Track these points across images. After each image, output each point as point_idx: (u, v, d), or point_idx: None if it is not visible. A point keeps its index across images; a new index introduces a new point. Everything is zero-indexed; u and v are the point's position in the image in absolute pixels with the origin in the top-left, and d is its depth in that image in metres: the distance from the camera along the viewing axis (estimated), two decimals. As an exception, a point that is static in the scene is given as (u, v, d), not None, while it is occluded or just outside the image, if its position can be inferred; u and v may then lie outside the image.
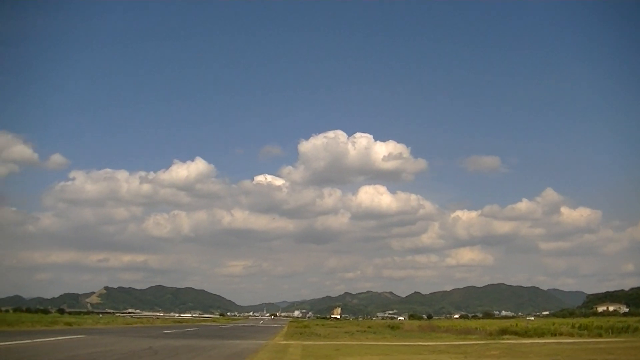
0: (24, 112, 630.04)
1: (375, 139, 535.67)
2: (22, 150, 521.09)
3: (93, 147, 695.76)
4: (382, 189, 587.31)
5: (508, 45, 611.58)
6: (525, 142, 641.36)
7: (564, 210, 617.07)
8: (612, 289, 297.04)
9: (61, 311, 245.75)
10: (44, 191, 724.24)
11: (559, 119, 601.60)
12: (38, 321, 73.24)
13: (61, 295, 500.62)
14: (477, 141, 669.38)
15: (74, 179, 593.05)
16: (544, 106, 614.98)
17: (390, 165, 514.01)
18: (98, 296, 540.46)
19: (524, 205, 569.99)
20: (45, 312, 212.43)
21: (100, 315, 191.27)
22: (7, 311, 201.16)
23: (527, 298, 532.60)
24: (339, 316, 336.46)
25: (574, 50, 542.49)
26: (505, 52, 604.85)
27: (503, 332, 52.72)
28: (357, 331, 68.98)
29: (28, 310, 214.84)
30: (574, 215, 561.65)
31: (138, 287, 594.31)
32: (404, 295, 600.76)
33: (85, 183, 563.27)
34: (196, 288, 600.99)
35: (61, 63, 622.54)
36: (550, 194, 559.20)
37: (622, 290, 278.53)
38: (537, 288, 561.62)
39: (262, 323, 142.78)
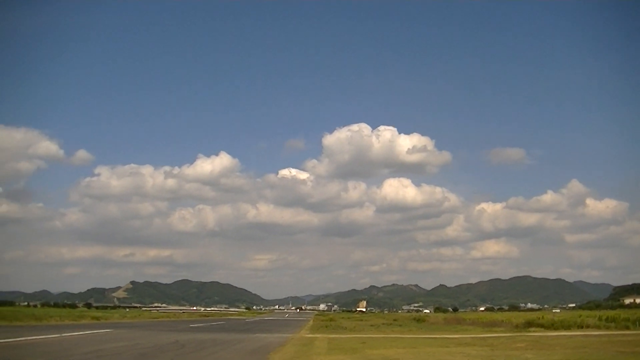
0: (50, 109, 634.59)
1: (400, 132, 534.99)
2: (48, 146, 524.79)
3: (118, 143, 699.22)
4: (406, 181, 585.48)
5: (532, 36, 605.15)
6: (550, 134, 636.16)
7: (590, 201, 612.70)
8: (638, 281, 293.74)
9: (88, 305, 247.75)
10: (70, 187, 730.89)
11: (584, 110, 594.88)
12: (66, 315, 73.94)
13: (88, 290, 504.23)
14: (501, 133, 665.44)
15: (99, 174, 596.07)
16: (568, 97, 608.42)
17: (414, 157, 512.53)
18: (124, 290, 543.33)
19: (549, 197, 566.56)
20: (73, 306, 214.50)
21: (127, 310, 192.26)
22: (35, 306, 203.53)
23: (552, 290, 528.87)
24: (364, 309, 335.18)
25: (600, 40, 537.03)
26: (530, 42, 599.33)
27: (529, 324, 52.51)
28: (383, 324, 69.01)
29: (56, 305, 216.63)
30: (600, 207, 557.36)
31: (164, 282, 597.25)
32: (429, 288, 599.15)
33: (111, 178, 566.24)
34: (222, 282, 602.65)
35: (86, 59, 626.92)
36: (575, 186, 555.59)
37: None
38: (563, 280, 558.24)
39: (287, 316, 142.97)
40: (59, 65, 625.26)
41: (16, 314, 67.30)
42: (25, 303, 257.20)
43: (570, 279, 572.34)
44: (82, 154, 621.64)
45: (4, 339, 30.91)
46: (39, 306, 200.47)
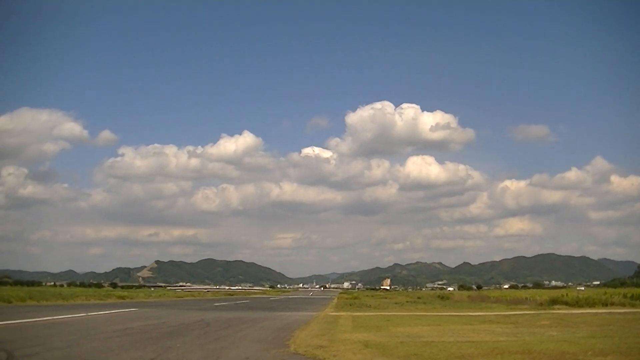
0: (74, 90, 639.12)
1: (423, 110, 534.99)
2: (72, 127, 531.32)
3: (141, 123, 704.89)
4: (430, 159, 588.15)
5: (557, 11, 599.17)
6: (575, 110, 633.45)
7: (614, 178, 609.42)
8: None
9: (114, 285, 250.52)
10: (94, 167, 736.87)
11: (609, 86, 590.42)
12: (92, 295, 74.59)
13: (113, 270, 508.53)
14: (525, 110, 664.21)
15: (123, 154, 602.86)
16: (592, 74, 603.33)
17: (437, 135, 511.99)
18: (149, 270, 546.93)
19: (573, 174, 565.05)
20: (99, 286, 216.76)
21: (152, 289, 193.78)
22: (61, 286, 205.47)
23: (577, 268, 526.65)
24: (388, 287, 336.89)
25: (627, 15, 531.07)
26: (555, 18, 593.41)
27: (553, 302, 52.39)
28: (407, 302, 69.11)
29: (82, 285, 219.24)
30: (625, 183, 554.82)
31: (188, 261, 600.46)
32: (453, 266, 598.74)
33: (135, 159, 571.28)
34: (246, 261, 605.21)
35: (110, 40, 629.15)
36: (600, 163, 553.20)
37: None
38: (588, 258, 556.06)
39: (311, 295, 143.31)
40: (84, 46, 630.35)
41: (44, 293, 67.93)
42: (52, 283, 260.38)
43: (595, 257, 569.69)
44: (106, 135, 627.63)
45: (34, 318, 31.33)
46: (65, 286, 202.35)
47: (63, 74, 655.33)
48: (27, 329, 24.48)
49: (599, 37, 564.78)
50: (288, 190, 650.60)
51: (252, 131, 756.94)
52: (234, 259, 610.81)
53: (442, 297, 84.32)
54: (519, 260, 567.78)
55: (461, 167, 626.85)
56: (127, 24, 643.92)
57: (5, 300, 51.45)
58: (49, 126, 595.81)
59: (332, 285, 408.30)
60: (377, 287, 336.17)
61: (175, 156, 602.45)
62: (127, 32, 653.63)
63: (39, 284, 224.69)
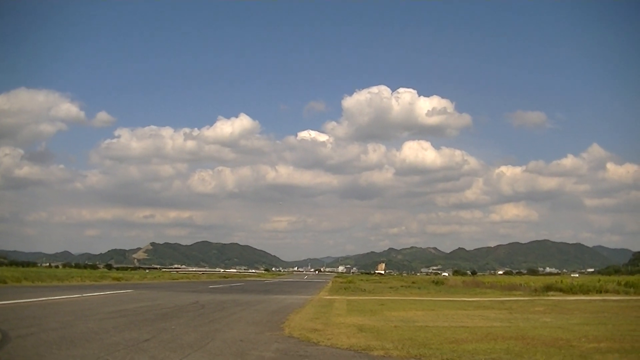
0: (71, 71, 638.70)
1: (419, 94, 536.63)
2: (69, 108, 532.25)
3: (138, 105, 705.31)
4: (426, 144, 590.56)
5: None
6: (572, 98, 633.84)
7: (610, 166, 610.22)
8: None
9: (109, 267, 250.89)
10: (90, 149, 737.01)
11: (606, 74, 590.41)
12: (87, 276, 74.76)
13: (108, 251, 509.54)
14: (522, 96, 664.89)
15: (119, 136, 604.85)
16: (590, 61, 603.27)
17: (434, 120, 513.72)
18: (144, 252, 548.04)
19: (569, 161, 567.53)
20: (94, 267, 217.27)
21: (147, 271, 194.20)
22: (57, 267, 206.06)
23: (572, 255, 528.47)
24: (383, 272, 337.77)
25: (621, 3, 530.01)
26: (553, 4, 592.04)
27: (548, 288, 52.54)
28: (402, 286, 69.37)
29: (77, 266, 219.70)
30: (620, 171, 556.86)
31: (184, 243, 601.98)
32: (448, 251, 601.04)
33: (131, 140, 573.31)
34: (241, 244, 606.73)
35: (105, 22, 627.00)
36: (596, 150, 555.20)
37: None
38: (582, 245, 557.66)
39: (306, 278, 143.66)
40: (80, 27, 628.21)
41: (39, 274, 68.11)
42: (47, 264, 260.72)
43: (590, 244, 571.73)
44: (102, 116, 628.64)
45: (29, 298, 31.40)
46: (60, 267, 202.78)
47: (60, 55, 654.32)
48: (22, 310, 24.52)
49: (598, 24, 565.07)
50: (284, 173, 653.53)
51: (248, 114, 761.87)
52: (229, 242, 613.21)
53: (436, 282, 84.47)
54: (514, 246, 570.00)
55: (457, 152, 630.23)
56: (125, 6, 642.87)
57: (1, 281, 51.52)
58: (46, 107, 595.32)
59: (327, 269, 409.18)
60: (372, 272, 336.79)
61: (172, 138, 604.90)
62: (124, 15, 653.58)
63: (34, 264, 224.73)
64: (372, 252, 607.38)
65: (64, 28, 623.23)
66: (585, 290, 49.97)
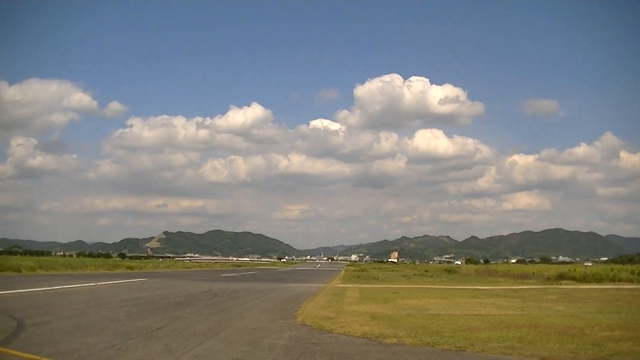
0: (82, 61, 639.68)
1: (431, 83, 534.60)
2: (81, 98, 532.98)
3: (150, 94, 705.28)
4: (438, 132, 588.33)
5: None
6: (585, 86, 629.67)
7: (624, 154, 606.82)
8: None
9: (122, 256, 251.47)
10: (103, 138, 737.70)
11: (619, 61, 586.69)
12: (101, 265, 75.08)
13: (122, 240, 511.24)
14: (535, 84, 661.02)
15: (131, 126, 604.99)
16: (603, 49, 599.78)
17: (446, 108, 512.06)
18: (158, 241, 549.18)
19: (582, 149, 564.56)
20: (107, 256, 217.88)
21: (160, 260, 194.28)
22: (71, 256, 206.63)
23: (585, 244, 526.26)
24: (396, 260, 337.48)
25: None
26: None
27: (561, 277, 52.44)
28: (414, 275, 69.30)
29: (91, 255, 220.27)
30: (634, 159, 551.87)
31: (197, 232, 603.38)
32: (460, 240, 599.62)
33: (143, 130, 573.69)
34: (254, 232, 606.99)
35: (117, 12, 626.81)
36: (609, 138, 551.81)
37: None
38: (595, 234, 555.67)
39: (319, 267, 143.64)
40: (92, 17, 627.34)
41: (53, 263, 68.41)
42: (61, 253, 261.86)
43: (603, 233, 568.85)
44: (115, 106, 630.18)
45: (44, 287, 31.56)
46: (74, 256, 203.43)
47: (72, 45, 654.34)
48: (37, 298, 24.68)
49: (610, 10, 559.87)
50: (296, 162, 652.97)
51: (261, 103, 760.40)
52: (242, 231, 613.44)
53: (449, 271, 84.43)
54: (527, 235, 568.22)
55: (469, 141, 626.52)
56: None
57: (15, 270, 51.82)
58: (58, 97, 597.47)
59: (340, 258, 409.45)
60: (385, 260, 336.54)
61: (184, 127, 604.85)
62: (136, 4, 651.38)
63: (49, 253, 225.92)
64: (384, 240, 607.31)
65: (76, 18, 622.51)
66: (599, 279, 49.87)
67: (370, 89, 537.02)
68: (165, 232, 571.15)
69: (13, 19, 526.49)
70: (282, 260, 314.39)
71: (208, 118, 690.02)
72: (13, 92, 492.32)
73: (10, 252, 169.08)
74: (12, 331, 14.22)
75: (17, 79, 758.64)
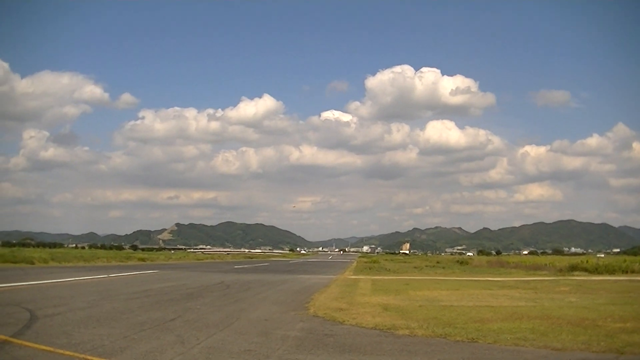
0: (94, 53, 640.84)
1: (443, 74, 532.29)
2: (93, 90, 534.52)
3: (162, 86, 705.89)
4: (450, 124, 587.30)
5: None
6: (597, 76, 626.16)
7: (636, 145, 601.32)
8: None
9: (134, 247, 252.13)
10: (114, 130, 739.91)
11: (632, 52, 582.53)
12: (113, 257, 75.28)
13: (134, 232, 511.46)
14: (546, 75, 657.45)
15: (143, 117, 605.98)
16: (615, 39, 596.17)
17: (458, 99, 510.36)
18: (169, 233, 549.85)
19: (594, 140, 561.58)
20: (119, 248, 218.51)
21: (172, 251, 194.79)
22: (83, 248, 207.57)
23: (597, 235, 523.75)
24: (407, 251, 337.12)
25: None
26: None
27: (573, 268, 52.33)
28: (426, 266, 69.30)
29: (103, 247, 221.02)
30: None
31: (208, 224, 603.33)
32: (472, 231, 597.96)
33: (155, 122, 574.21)
34: (266, 224, 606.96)
35: (129, 3, 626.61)
36: (621, 129, 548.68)
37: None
38: (608, 225, 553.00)
39: (331, 258, 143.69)
40: (104, 9, 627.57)
41: (65, 255, 68.71)
42: (74, 245, 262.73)
43: (615, 224, 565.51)
44: (126, 98, 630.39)
45: (56, 279, 31.69)
46: (86, 248, 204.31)
47: (83, 37, 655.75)
48: (49, 290, 24.76)
49: (622, 2, 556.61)
50: (308, 153, 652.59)
51: (272, 94, 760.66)
52: (254, 222, 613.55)
53: (461, 262, 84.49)
54: (539, 226, 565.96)
55: (481, 132, 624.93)
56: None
57: (28, 262, 52.02)
58: (70, 89, 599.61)
59: (352, 249, 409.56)
60: (397, 252, 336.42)
61: (195, 119, 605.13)
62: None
63: (61, 245, 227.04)
64: (396, 232, 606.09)
65: (87, 11, 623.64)
66: (611, 270, 49.71)
67: (382, 80, 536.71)
68: (177, 224, 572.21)
69: (24, 12, 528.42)
70: (301, 251, 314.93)
71: (219, 110, 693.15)
72: (25, 85, 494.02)
73: (23, 244, 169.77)
74: (25, 323, 14.28)
75: (29, 72, 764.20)
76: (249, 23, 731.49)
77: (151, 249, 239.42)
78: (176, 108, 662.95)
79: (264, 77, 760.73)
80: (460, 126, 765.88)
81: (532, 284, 33.61)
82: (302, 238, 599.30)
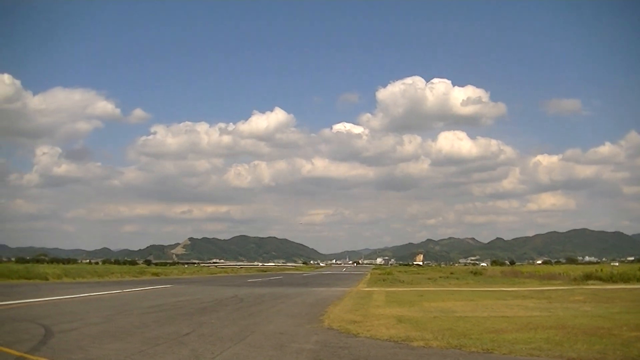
0: (105, 69, 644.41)
1: (454, 84, 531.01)
2: (104, 106, 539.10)
3: (173, 101, 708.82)
4: (461, 134, 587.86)
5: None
6: (608, 84, 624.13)
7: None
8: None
9: (148, 262, 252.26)
10: (127, 146, 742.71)
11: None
12: (126, 272, 75.37)
13: (147, 247, 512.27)
14: (557, 84, 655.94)
15: (155, 132, 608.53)
16: (626, 47, 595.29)
17: (469, 110, 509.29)
18: (183, 247, 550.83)
19: (606, 148, 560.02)
20: (133, 263, 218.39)
21: (186, 266, 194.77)
22: (96, 263, 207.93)
23: (611, 243, 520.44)
24: (421, 263, 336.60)
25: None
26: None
27: (587, 277, 52.10)
28: (440, 277, 69.11)
29: (116, 262, 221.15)
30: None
31: (222, 237, 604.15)
32: (485, 241, 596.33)
33: (166, 136, 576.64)
34: (279, 237, 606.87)
35: (140, 19, 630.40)
36: (634, 137, 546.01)
37: None
38: (622, 233, 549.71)
39: (344, 271, 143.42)
40: (115, 26, 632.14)
41: (79, 271, 68.81)
42: (87, 260, 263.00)
43: (629, 232, 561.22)
44: (138, 113, 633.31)
45: (72, 294, 31.81)
46: (100, 263, 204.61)
47: (95, 53, 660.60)
48: (64, 305, 24.85)
49: (634, 8, 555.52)
50: (320, 166, 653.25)
51: (283, 107, 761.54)
52: (267, 235, 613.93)
53: (475, 273, 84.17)
54: (552, 235, 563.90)
55: (493, 142, 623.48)
56: (158, 3, 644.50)
57: (42, 278, 52.24)
58: (82, 105, 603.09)
59: (365, 261, 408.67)
60: (410, 263, 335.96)
61: (207, 133, 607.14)
62: (157, 11, 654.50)
63: (75, 261, 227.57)
64: (409, 243, 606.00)
65: (98, 26, 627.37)
66: (626, 279, 49.47)
67: (393, 92, 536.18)
68: (190, 238, 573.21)
69: (36, 29, 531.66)
70: (320, 264, 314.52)
71: (231, 124, 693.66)
72: (37, 101, 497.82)
73: (37, 260, 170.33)
74: (40, 338, 14.34)
75: (41, 89, 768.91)
76: (260, 37, 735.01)
77: (165, 264, 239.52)
78: (188, 122, 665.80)
79: (275, 90, 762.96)
80: (472, 136, 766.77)
81: (546, 294, 33.52)
82: (315, 250, 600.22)
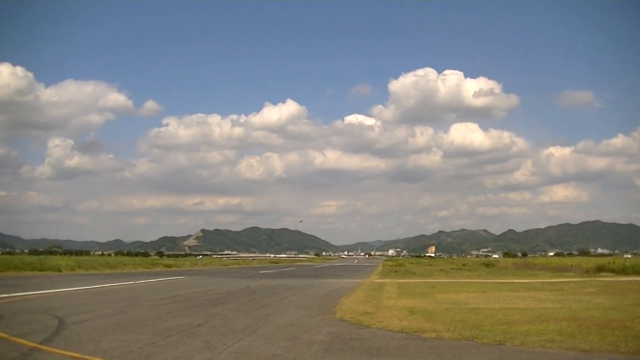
0: (117, 61, 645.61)
1: (466, 76, 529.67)
2: (116, 98, 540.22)
3: (185, 93, 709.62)
4: (473, 126, 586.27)
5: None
6: (620, 76, 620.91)
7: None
8: None
9: (160, 254, 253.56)
10: (139, 138, 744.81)
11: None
12: (139, 264, 75.74)
13: (159, 239, 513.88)
14: (570, 76, 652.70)
15: (167, 124, 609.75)
16: (638, 37, 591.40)
17: (481, 102, 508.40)
18: (195, 239, 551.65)
19: (619, 140, 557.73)
20: (145, 255, 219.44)
21: (198, 257, 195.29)
22: (109, 255, 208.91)
23: (624, 236, 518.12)
24: (433, 254, 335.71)
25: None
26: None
27: (600, 269, 51.93)
28: (452, 269, 69.13)
29: (129, 254, 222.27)
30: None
31: (234, 229, 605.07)
32: (498, 233, 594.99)
33: (179, 128, 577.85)
34: (291, 229, 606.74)
35: (152, 10, 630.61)
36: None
37: None
38: (635, 225, 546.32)
39: (356, 262, 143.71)
40: (127, 18, 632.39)
41: (92, 263, 69.23)
42: (100, 252, 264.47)
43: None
44: (150, 105, 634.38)
45: (83, 286, 31.93)
46: (112, 255, 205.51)
47: (107, 45, 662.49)
48: (77, 297, 24.97)
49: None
50: (332, 158, 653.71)
51: (295, 99, 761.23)
52: (279, 227, 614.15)
53: (487, 265, 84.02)
54: (565, 227, 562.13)
55: (505, 133, 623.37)
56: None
57: (56, 269, 52.51)
58: (94, 97, 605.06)
59: (377, 253, 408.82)
60: (422, 255, 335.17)
61: (219, 125, 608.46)
62: (170, 3, 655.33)
63: (87, 253, 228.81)
64: (421, 235, 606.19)
65: (110, 19, 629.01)
66: (639, 271, 49.26)
67: (405, 84, 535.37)
68: (203, 230, 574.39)
69: (47, 23, 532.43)
70: (332, 255, 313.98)
71: (243, 115, 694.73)
72: (49, 94, 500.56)
73: (50, 252, 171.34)
74: (54, 330, 14.40)
75: (53, 81, 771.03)
76: (271, 29, 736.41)
77: (177, 255, 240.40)
78: (200, 114, 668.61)
79: (287, 82, 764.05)
80: (484, 128, 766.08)
81: (559, 286, 33.42)
82: (327, 242, 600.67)
